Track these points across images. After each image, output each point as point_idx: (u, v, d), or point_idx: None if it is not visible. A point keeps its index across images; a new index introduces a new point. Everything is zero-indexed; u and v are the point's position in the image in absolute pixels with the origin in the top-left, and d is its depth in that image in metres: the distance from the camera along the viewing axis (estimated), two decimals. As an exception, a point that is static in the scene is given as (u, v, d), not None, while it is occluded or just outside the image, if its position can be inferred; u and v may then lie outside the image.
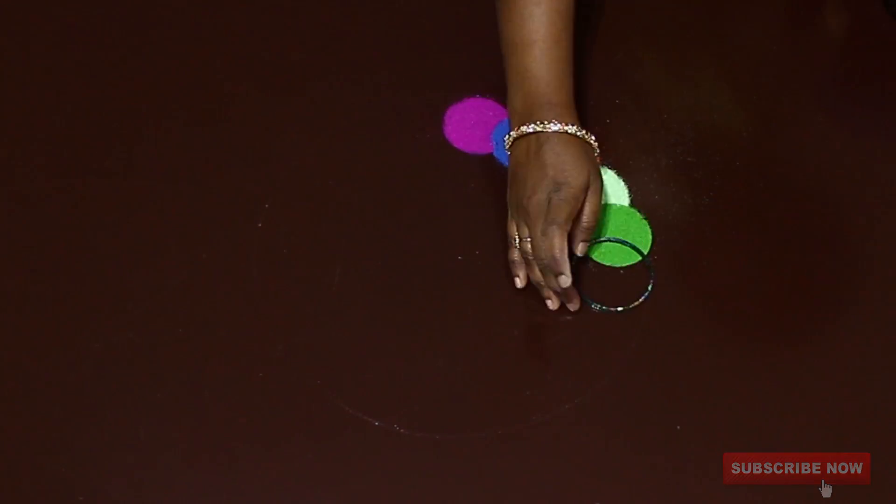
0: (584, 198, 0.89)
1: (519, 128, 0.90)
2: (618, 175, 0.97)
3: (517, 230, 0.90)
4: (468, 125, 1.00)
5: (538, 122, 0.89)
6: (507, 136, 0.92)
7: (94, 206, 0.95)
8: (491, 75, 1.03)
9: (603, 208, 0.95)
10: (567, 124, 0.89)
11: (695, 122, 1.01)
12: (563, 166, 0.88)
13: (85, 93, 1.01)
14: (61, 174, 0.97)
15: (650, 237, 0.94)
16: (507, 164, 0.98)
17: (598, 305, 0.91)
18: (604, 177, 0.97)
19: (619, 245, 0.94)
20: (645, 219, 0.95)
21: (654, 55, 1.03)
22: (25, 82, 1.02)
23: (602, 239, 0.94)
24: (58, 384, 0.88)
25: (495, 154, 0.98)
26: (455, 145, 0.99)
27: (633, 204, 0.96)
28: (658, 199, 0.96)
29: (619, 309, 0.91)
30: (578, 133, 0.89)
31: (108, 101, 1.00)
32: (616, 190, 0.96)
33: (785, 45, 1.05)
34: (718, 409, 0.88)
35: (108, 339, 0.90)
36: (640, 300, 0.91)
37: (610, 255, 0.93)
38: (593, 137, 0.91)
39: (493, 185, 0.97)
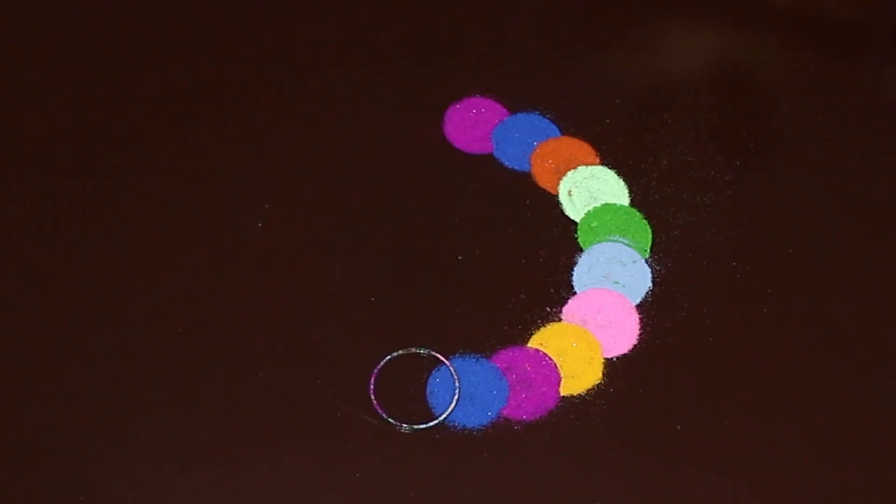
0: None
1: None
2: (618, 175, 0.97)
3: None
4: (468, 125, 1.00)
5: None
6: None
7: (93, 206, 0.95)
8: (491, 75, 1.03)
9: (603, 208, 0.95)
10: None
11: (695, 122, 1.01)
12: None
13: (84, 92, 1.01)
14: (59, 173, 0.97)
15: (650, 237, 0.94)
16: (507, 163, 0.98)
17: (409, 426, 0.86)
18: (604, 177, 0.97)
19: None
20: (645, 219, 0.95)
21: (654, 55, 1.03)
22: (25, 82, 1.02)
23: (603, 239, 0.94)
24: (57, 384, 0.88)
25: (495, 154, 0.98)
26: (455, 145, 0.99)
27: (633, 204, 0.96)
28: (658, 199, 0.96)
29: (431, 424, 0.86)
30: None
31: (106, 100, 1.00)
32: (616, 190, 0.96)
33: (786, 43, 1.05)
34: (718, 409, 0.88)
35: (108, 339, 0.90)
36: (451, 407, 0.87)
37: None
38: None
39: (493, 185, 0.97)
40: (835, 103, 1.02)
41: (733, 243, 0.95)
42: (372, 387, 0.88)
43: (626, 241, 0.94)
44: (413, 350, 0.89)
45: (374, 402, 0.87)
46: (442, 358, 0.89)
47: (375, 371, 0.88)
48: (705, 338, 0.91)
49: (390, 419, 0.87)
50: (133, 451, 0.86)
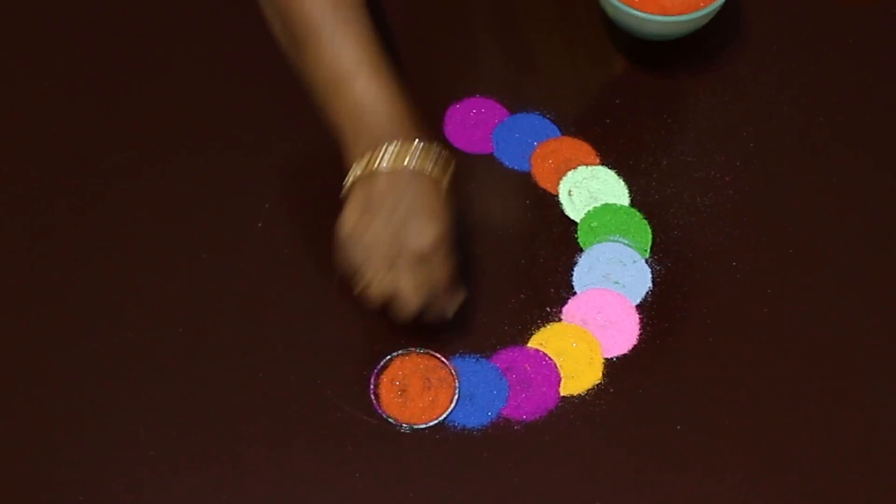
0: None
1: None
2: (618, 175, 0.97)
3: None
4: (468, 125, 1.00)
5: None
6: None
7: (93, 207, 0.95)
8: (491, 75, 1.03)
9: (603, 208, 0.95)
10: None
11: (695, 122, 1.01)
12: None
13: (85, 93, 1.01)
14: (61, 174, 0.97)
15: (650, 237, 0.94)
16: (507, 163, 0.98)
17: (409, 426, 0.87)
18: (604, 177, 0.97)
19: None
20: (645, 219, 0.95)
21: (654, 55, 1.03)
22: (27, 83, 1.02)
23: (603, 239, 0.94)
24: (58, 384, 0.88)
25: (495, 154, 0.98)
26: (455, 145, 0.99)
27: (633, 204, 0.96)
28: (658, 199, 0.96)
29: (431, 424, 0.87)
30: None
31: (107, 102, 1.00)
32: (616, 190, 0.96)
33: (785, 43, 1.05)
34: (718, 409, 0.88)
35: (108, 339, 0.90)
36: (451, 407, 0.87)
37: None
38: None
39: (493, 185, 0.97)
40: (834, 103, 1.02)
41: (733, 243, 0.95)
42: (372, 387, 0.88)
43: (626, 241, 0.94)
44: (413, 350, 0.89)
45: (374, 402, 0.87)
46: (442, 358, 0.89)
47: (375, 371, 0.88)
48: (705, 338, 0.91)
49: (390, 419, 0.87)
50: (133, 451, 0.86)
